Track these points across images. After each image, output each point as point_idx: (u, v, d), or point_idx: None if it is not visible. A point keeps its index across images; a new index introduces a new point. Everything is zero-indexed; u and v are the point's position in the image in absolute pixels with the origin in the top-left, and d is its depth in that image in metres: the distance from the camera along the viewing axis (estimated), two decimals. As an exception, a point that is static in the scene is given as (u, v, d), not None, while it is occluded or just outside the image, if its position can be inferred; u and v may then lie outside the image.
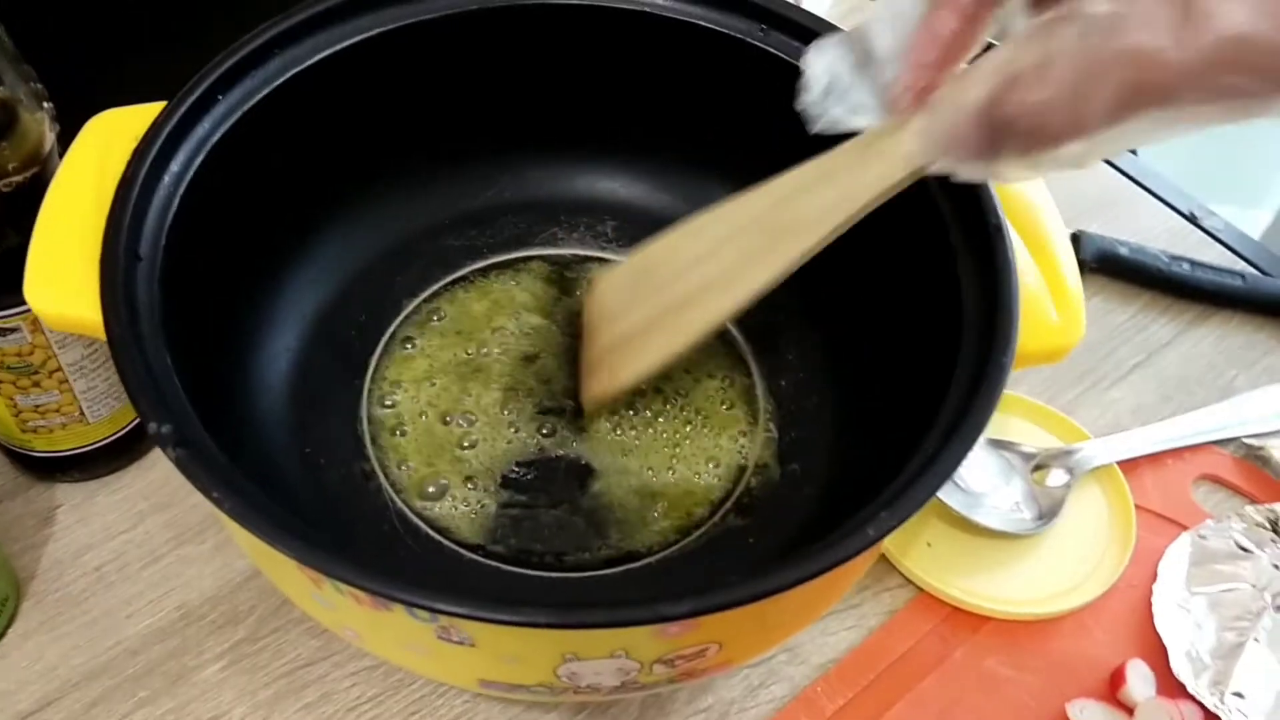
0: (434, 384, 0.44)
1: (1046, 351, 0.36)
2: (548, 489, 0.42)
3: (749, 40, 0.43)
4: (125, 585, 0.45)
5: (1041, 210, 0.39)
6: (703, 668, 0.34)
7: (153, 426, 0.30)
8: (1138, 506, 0.49)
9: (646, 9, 0.44)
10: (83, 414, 0.44)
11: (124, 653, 0.43)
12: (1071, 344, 0.36)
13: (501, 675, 0.34)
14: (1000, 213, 0.37)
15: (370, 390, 0.44)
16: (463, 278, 0.47)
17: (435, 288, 0.47)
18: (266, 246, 0.42)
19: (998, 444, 0.49)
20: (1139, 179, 0.63)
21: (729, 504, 0.42)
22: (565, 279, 0.48)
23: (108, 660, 0.43)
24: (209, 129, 0.38)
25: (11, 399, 0.42)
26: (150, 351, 0.32)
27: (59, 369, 0.41)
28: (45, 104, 0.38)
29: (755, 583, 0.29)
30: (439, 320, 0.46)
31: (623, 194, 0.49)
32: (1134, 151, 0.65)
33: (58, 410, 0.43)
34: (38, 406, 0.42)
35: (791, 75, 0.43)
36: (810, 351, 0.46)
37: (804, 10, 0.43)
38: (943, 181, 0.39)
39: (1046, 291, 0.37)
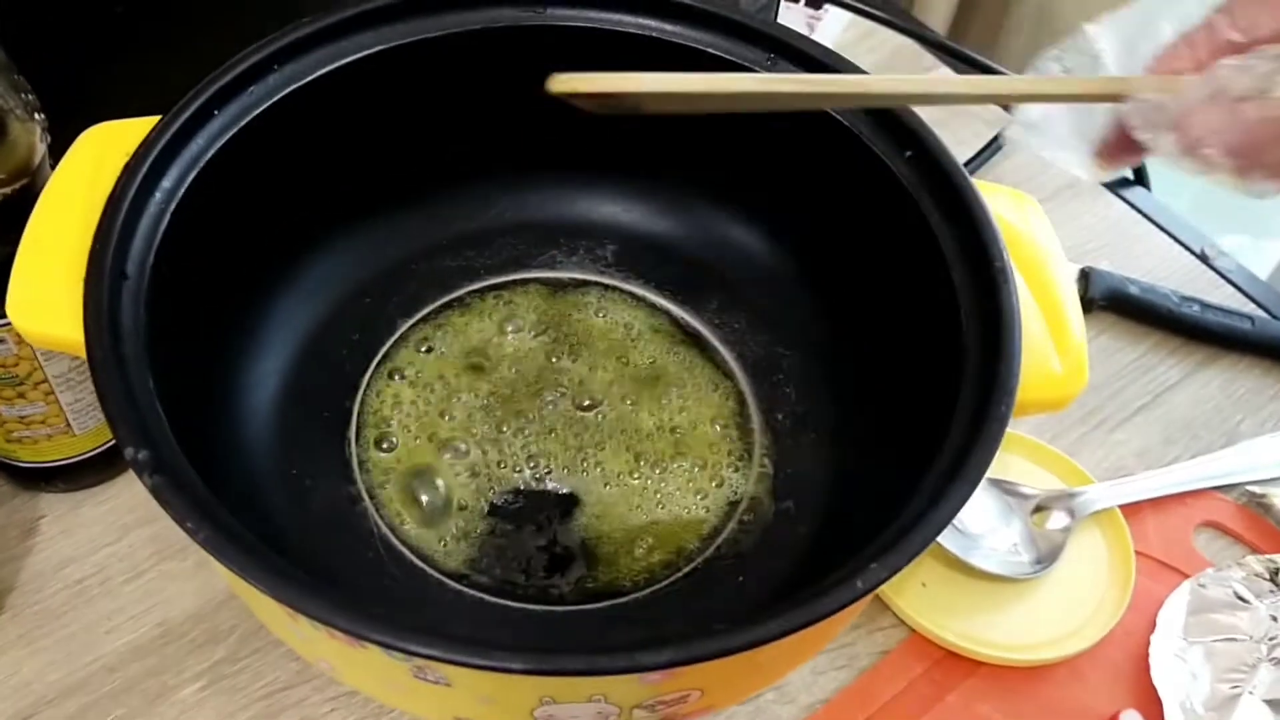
0: (425, 407, 0.44)
1: (1047, 401, 0.35)
2: (534, 519, 0.41)
3: (755, 69, 0.42)
4: (106, 600, 0.44)
5: (1049, 254, 0.38)
6: (685, 712, 0.34)
7: (130, 452, 0.30)
8: (1138, 552, 0.48)
9: (654, 34, 0.43)
10: (69, 425, 0.43)
11: (102, 669, 0.42)
12: (1073, 395, 0.35)
13: (477, 715, 0.33)
14: (1005, 255, 0.36)
15: (360, 412, 0.43)
16: (459, 299, 0.46)
17: (430, 309, 0.46)
18: (258, 265, 0.41)
19: (997, 484, 0.48)
20: (1150, 215, 0.62)
21: (719, 540, 0.42)
22: (563, 302, 0.47)
23: (85, 676, 0.42)
24: (203, 145, 0.37)
25: (-3, 409, 0.42)
26: (133, 374, 0.32)
27: (45, 380, 0.41)
28: (37, 115, 0.37)
29: (738, 634, 0.29)
30: (433, 342, 0.45)
31: (623, 218, 0.48)
32: (1147, 186, 0.64)
33: (43, 422, 0.42)
34: (23, 417, 0.42)
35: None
36: (809, 387, 0.45)
37: (812, 41, 0.43)
38: (947, 220, 0.39)
39: (1049, 339, 0.36)
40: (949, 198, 0.38)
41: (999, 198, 0.39)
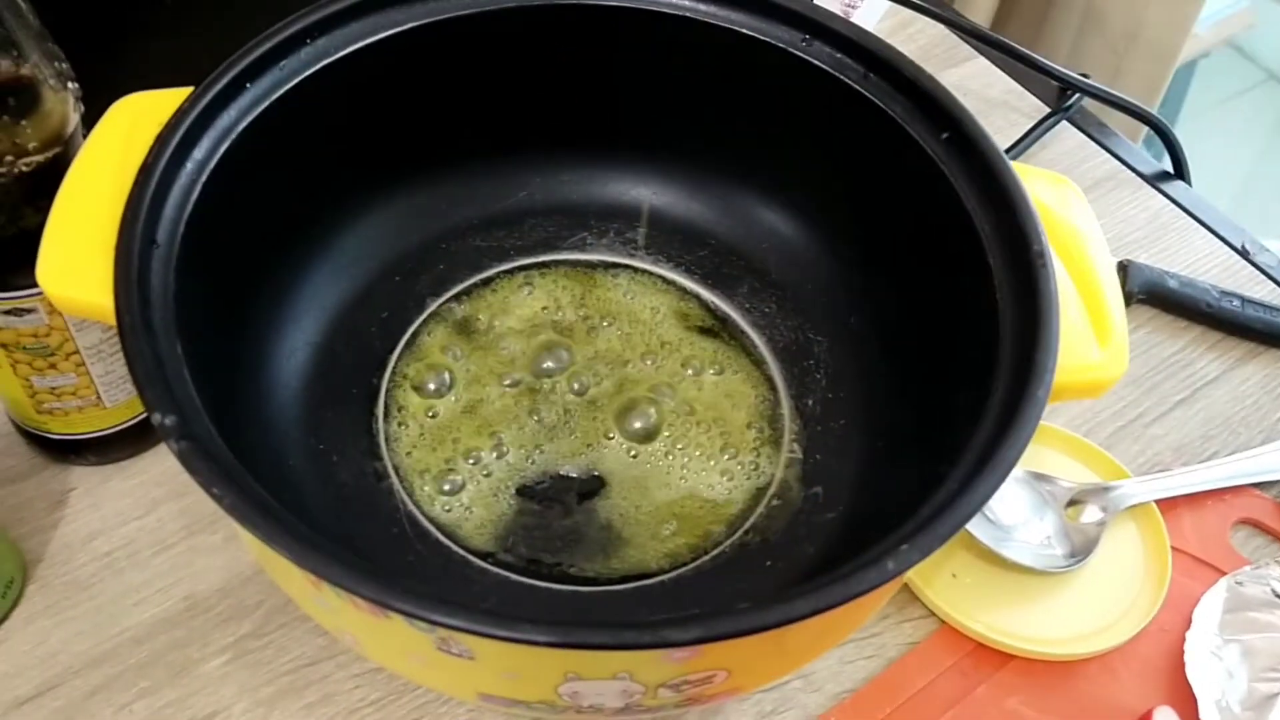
0: (453, 386, 0.43)
1: (1085, 387, 0.35)
2: (562, 499, 0.41)
3: (791, 50, 0.42)
4: (134, 572, 0.44)
5: (1088, 238, 0.37)
6: (710, 693, 0.33)
7: (157, 418, 0.30)
8: (1174, 548, 0.47)
9: (688, 14, 0.43)
10: (99, 398, 0.43)
11: (128, 641, 0.42)
12: (1111, 381, 0.35)
13: (501, 690, 0.33)
14: (1044, 239, 0.36)
15: (388, 389, 0.43)
16: (488, 279, 0.46)
17: (460, 288, 0.46)
18: (288, 239, 0.41)
19: (1032, 477, 0.48)
20: (1191, 209, 0.61)
21: (747, 524, 0.41)
22: (593, 284, 0.47)
23: (111, 648, 0.42)
24: (235, 117, 0.37)
25: (28, 380, 0.42)
26: (161, 341, 0.32)
27: (76, 351, 0.41)
28: (70, 84, 0.37)
29: (766, 612, 0.28)
30: (462, 321, 0.45)
31: (655, 201, 0.48)
32: (1187, 180, 0.63)
33: (74, 393, 0.42)
34: (54, 389, 0.42)
35: (833, 87, 0.42)
36: (840, 372, 0.44)
37: (849, 22, 0.42)
38: (984, 203, 0.38)
39: (1089, 323, 0.35)
40: (986, 181, 0.38)
41: (1038, 181, 0.39)
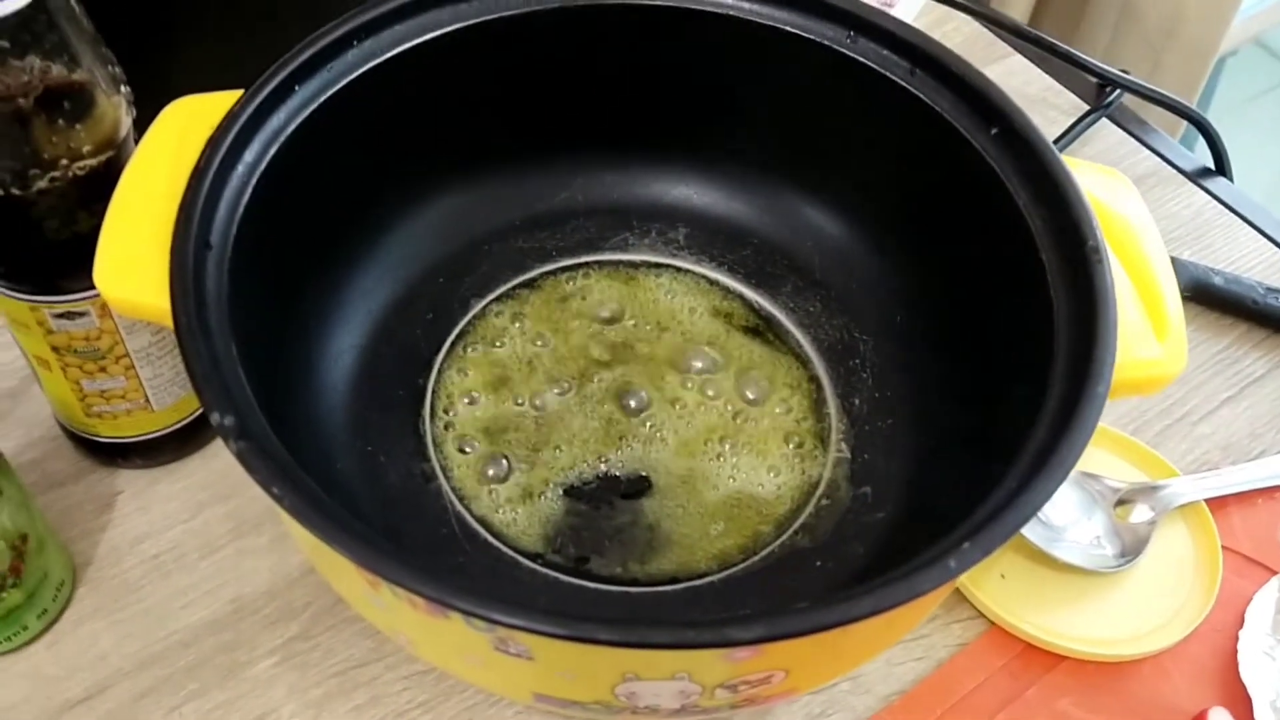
0: (498, 387, 0.43)
1: (1143, 382, 0.34)
2: (610, 499, 0.41)
3: (836, 47, 0.42)
4: (181, 575, 0.44)
5: (1142, 232, 0.37)
6: (767, 694, 0.33)
7: (215, 417, 0.30)
8: (1225, 548, 0.46)
9: (732, 12, 0.42)
10: (148, 401, 0.44)
11: (177, 644, 0.43)
12: (1171, 376, 0.34)
13: (558, 690, 0.32)
14: (1099, 234, 0.35)
15: (434, 390, 0.43)
16: (531, 280, 0.46)
17: (503, 289, 0.46)
18: (336, 241, 0.42)
19: (1081, 476, 0.47)
20: (1235, 206, 0.61)
21: (796, 524, 0.41)
22: (635, 284, 0.46)
23: (160, 650, 0.42)
24: (284, 119, 0.38)
25: (78, 383, 0.42)
26: (217, 342, 0.32)
27: (125, 355, 0.41)
28: (123, 87, 0.37)
29: (829, 610, 0.28)
30: (506, 322, 0.45)
31: (696, 201, 0.48)
32: (1229, 176, 0.62)
33: (123, 396, 0.42)
34: (103, 392, 0.42)
35: (879, 83, 0.41)
36: (888, 371, 0.44)
37: (894, 18, 0.42)
38: (1036, 199, 0.38)
39: (1145, 319, 0.35)
40: (1037, 175, 0.37)
41: (1090, 174, 0.38)
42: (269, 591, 0.44)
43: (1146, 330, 0.35)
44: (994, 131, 0.39)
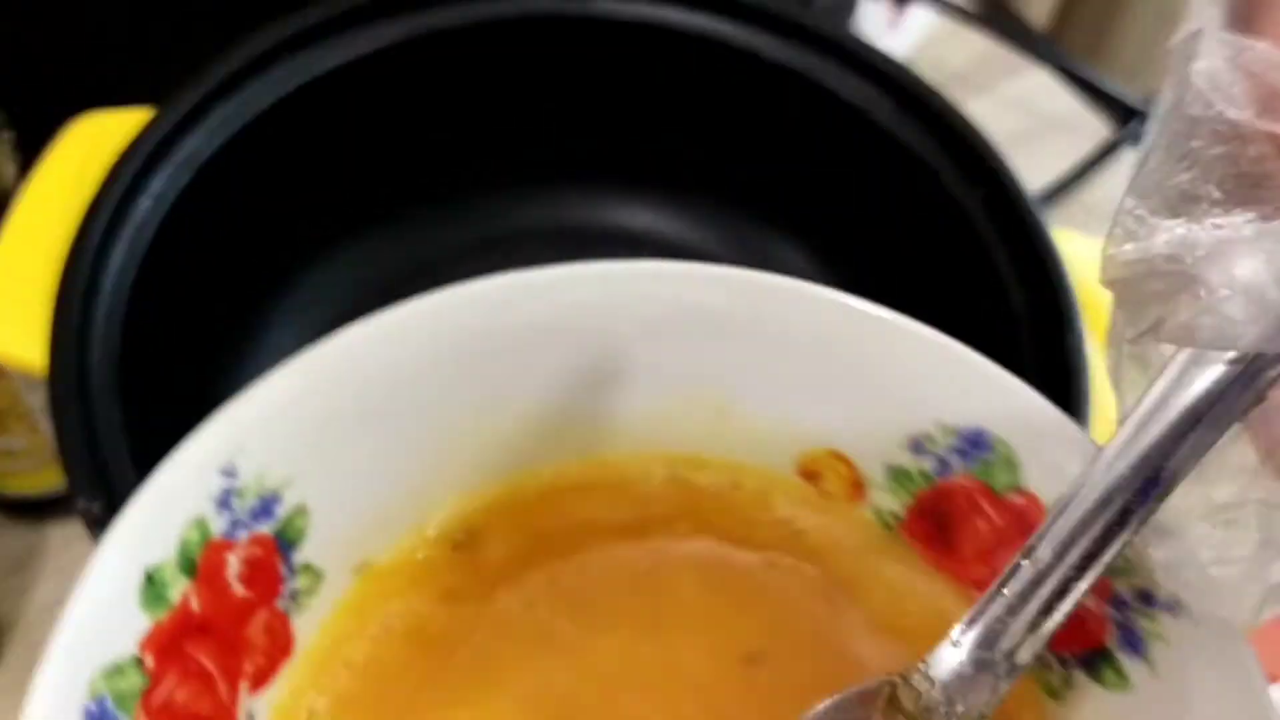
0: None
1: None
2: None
3: (815, 78, 0.38)
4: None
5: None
6: None
7: (82, 503, 0.27)
8: None
9: (706, 34, 0.39)
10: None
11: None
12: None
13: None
14: (1079, 325, 0.32)
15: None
16: (481, 308, 0.43)
17: (449, 317, 0.43)
18: (259, 277, 0.38)
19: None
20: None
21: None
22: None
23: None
24: (200, 143, 0.34)
25: (-25, 443, 0.39)
26: (98, 409, 0.29)
27: (27, 413, 0.38)
28: (4, 133, 0.34)
29: None
30: (450, 352, 0.42)
31: (659, 227, 0.44)
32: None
33: (28, 454, 0.39)
34: (8, 451, 0.39)
35: (851, 115, 0.38)
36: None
37: (870, 46, 0.38)
38: (1019, 272, 0.34)
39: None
40: (1023, 248, 0.35)
41: (1080, 245, 0.35)
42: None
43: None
44: (981, 195, 0.35)
